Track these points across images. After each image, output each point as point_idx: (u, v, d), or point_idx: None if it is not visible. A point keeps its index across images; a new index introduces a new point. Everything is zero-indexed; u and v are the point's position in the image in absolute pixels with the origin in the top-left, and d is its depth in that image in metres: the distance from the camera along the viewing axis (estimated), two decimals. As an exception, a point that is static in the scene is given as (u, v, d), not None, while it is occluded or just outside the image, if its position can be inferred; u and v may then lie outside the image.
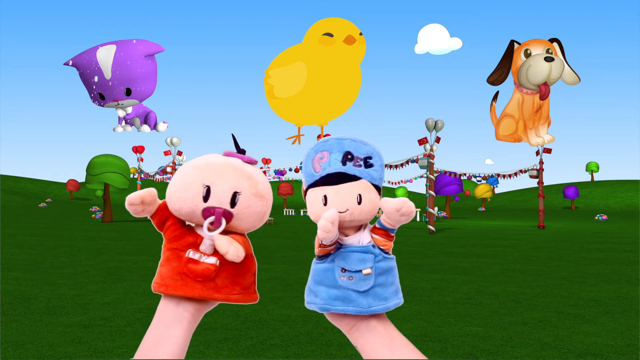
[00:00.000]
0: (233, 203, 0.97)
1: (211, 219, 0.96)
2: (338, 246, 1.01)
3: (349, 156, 0.99)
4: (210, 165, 0.98)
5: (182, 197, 0.96)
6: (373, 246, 0.99)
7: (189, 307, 0.96)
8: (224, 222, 0.97)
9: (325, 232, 0.96)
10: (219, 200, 0.96)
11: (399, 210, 0.94)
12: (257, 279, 1.04)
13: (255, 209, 0.99)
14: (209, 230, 0.96)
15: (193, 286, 0.95)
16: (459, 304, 6.91)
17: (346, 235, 1.01)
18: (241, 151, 1.06)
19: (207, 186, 0.95)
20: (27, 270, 9.59)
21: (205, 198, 0.95)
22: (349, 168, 0.98)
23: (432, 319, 6.07)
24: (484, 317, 6.18)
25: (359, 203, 0.96)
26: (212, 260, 0.96)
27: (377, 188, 0.99)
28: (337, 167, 0.98)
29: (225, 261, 0.97)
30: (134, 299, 7.03)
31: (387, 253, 1.00)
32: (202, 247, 0.96)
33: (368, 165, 0.99)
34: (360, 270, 0.98)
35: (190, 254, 0.97)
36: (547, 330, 5.65)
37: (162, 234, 1.00)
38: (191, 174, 0.97)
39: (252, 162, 1.03)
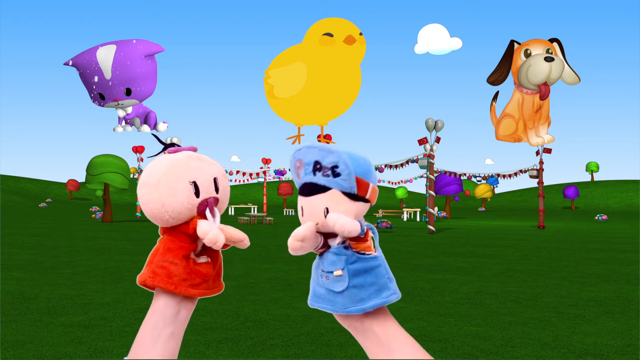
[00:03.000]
0: (216, 189, 1.02)
1: (208, 211, 1.01)
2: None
3: (318, 165, 0.97)
4: (180, 165, 1.01)
5: (175, 203, 0.98)
6: (346, 247, 0.98)
7: (188, 305, 0.99)
8: (216, 210, 1.02)
9: (294, 251, 0.97)
10: (207, 190, 1.00)
11: (332, 226, 0.94)
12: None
13: (228, 188, 1.06)
14: (213, 217, 1.01)
15: (198, 286, 0.99)
16: (459, 304, 6.91)
17: (331, 238, 1.01)
18: (173, 144, 1.09)
19: (193, 182, 0.99)
20: (27, 270, 9.60)
21: (197, 193, 0.99)
22: (319, 178, 0.96)
23: (432, 319, 6.08)
24: (484, 317, 6.19)
25: (326, 217, 0.95)
26: (204, 259, 1.01)
27: (352, 195, 0.96)
28: (308, 177, 0.97)
29: (212, 256, 1.01)
30: (134, 299, 7.03)
31: (363, 253, 0.98)
32: (207, 239, 0.98)
33: (335, 174, 0.96)
34: (332, 272, 0.98)
35: (192, 256, 1.01)
36: (547, 330, 5.65)
37: (179, 236, 1.01)
38: (171, 178, 0.99)
39: (195, 149, 1.08)
